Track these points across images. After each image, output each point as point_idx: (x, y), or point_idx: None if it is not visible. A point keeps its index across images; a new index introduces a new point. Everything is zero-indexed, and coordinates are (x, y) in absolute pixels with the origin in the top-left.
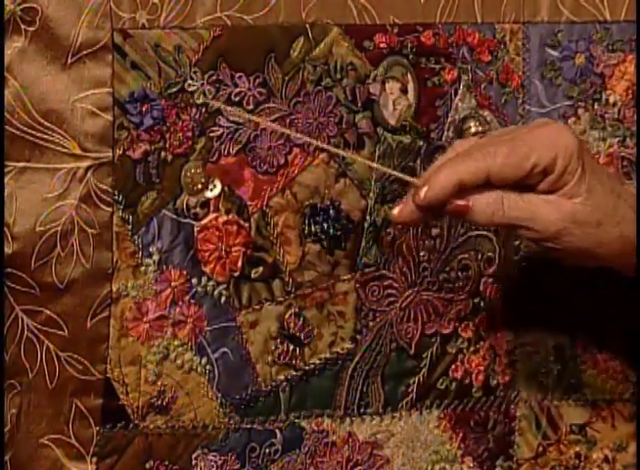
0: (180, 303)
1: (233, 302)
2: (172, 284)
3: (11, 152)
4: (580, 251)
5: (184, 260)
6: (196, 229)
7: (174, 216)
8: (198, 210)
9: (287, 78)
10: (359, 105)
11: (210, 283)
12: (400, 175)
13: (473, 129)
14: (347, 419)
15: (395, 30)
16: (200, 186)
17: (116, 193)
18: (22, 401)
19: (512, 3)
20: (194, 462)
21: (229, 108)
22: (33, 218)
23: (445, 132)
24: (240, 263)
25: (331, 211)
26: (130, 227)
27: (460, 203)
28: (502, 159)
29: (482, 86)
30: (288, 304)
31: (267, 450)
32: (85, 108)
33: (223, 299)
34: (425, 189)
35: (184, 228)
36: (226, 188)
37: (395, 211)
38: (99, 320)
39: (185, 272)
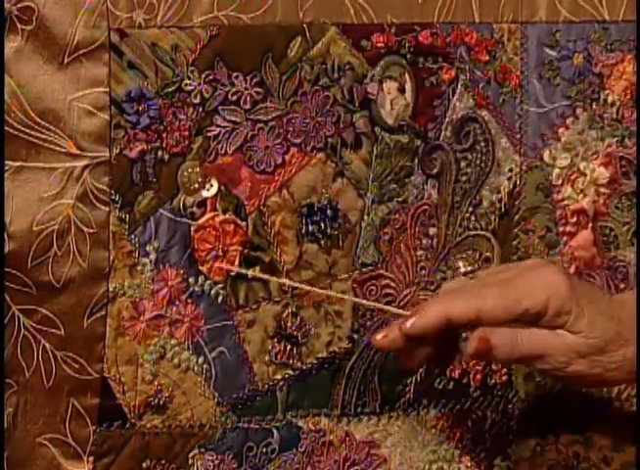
0: (177, 302)
1: (230, 301)
2: (169, 283)
3: (7, 151)
4: (591, 376)
5: (181, 260)
6: (192, 228)
7: (171, 216)
8: (194, 209)
9: (284, 78)
10: (357, 104)
11: (207, 282)
12: (387, 308)
13: (462, 269)
14: (345, 419)
15: (393, 30)
16: (196, 185)
17: (113, 192)
18: (18, 401)
19: (510, 3)
20: (191, 461)
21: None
22: (30, 218)
23: (443, 132)
24: (237, 263)
25: (328, 211)
26: (127, 226)
27: (483, 343)
28: (493, 300)
29: (480, 86)
30: (285, 303)
31: (264, 450)
32: (82, 107)
33: (220, 298)
34: (414, 318)
35: (181, 227)
36: (223, 187)
37: (379, 335)
38: (95, 319)
39: (182, 271)
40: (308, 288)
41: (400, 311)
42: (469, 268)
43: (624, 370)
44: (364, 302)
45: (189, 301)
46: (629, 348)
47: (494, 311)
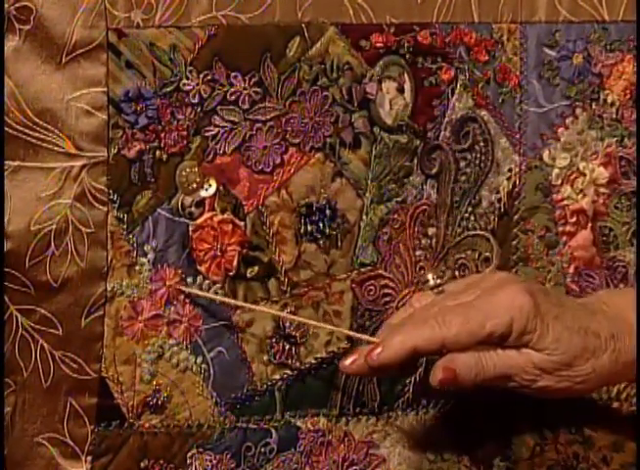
0: (175, 302)
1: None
2: (167, 283)
3: (5, 151)
4: (559, 390)
5: (179, 260)
6: (191, 228)
7: (169, 216)
8: (193, 209)
9: (283, 78)
10: (356, 104)
11: (206, 282)
12: (358, 335)
13: (431, 282)
14: (343, 419)
15: (392, 30)
16: (195, 185)
17: (111, 192)
18: (16, 400)
19: (509, 3)
20: (189, 461)
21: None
22: (28, 217)
23: (442, 132)
24: (235, 263)
25: (327, 211)
26: (125, 226)
27: (446, 372)
28: (457, 328)
29: (480, 86)
30: (283, 303)
31: (263, 450)
32: (80, 107)
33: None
34: (378, 351)
35: (179, 227)
36: (221, 187)
37: (347, 362)
38: (93, 319)
39: (180, 271)
40: (254, 307)
41: (369, 338)
42: (438, 281)
43: (594, 382)
44: (342, 330)
45: (187, 300)
46: (597, 360)
47: (459, 337)
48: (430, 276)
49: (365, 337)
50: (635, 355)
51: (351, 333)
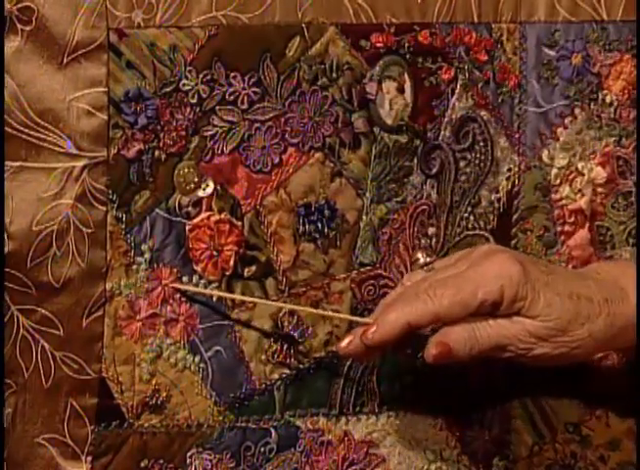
0: (171, 301)
1: (225, 300)
2: (163, 282)
3: (7, 151)
4: (556, 357)
5: (175, 259)
6: (187, 228)
7: (166, 215)
8: (190, 208)
9: (282, 78)
10: (355, 104)
11: (202, 281)
12: (350, 317)
13: (421, 260)
14: (343, 418)
15: (392, 30)
16: (192, 185)
17: (111, 192)
18: (17, 401)
19: (509, 2)
20: (188, 461)
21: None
22: (29, 218)
23: (442, 132)
24: (232, 262)
25: (325, 211)
26: (123, 226)
27: (440, 347)
28: (449, 299)
29: (479, 86)
30: (282, 302)
31: (262, 449)
32: (81, 107)
33: (215, 297)
34: (373, 329)
35: (176, 227)
36: (219, 187)
37: (343, 343)
38: (94, 319)
39: (176, 270)
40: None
41: (364, 320)
42: (427, 259)
43: (591, 347)
44: (333, 314)
45: (183, 299)
46: (593, 324)
47: (451, 309)
48: (419, 255)
49: (360, 319)
50: (633, 320)
51: (346, 316)
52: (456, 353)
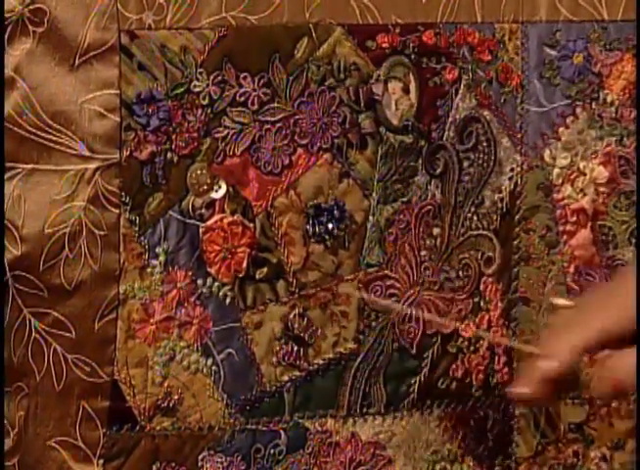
0: (186, 304)
1: (238, 302)
2: (178, 285)
3: (19, 154)
4: None
5: (189, 261)
6: (201, 230)
7: (180, 217)
8: (203, 210)
9: (291, 79)
10: (362, 105)
11: (216, 284)
12: (519, 346)
13: (561, 304)
14: (350, 419)
15: (397, 30)
16: (205, 187)
17: (124, 194)
18: (29, 404)
19: (511, 3)
20: (200, 463)
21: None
22: (42, 220)
23: (446, 132)
24: (244, 264)
25: (335, 212)
26: (137, 229)
27: (612, 382)
28: (615, 312)
29: (483, 86)
30: (292, 304)
31: (272, 451)
32: (93, 109)
33: (228, 300)
34: (550, 362)
35: (190, 229)
36: (231, 189)
37: (525, 389)
38: (106, 322)
39: (190, 273)
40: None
41: (533, 349)
42: (567, 303)
43: None
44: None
45: (197, 302)
46: None
47: (620, 322)
48: (558, 301)
49: (526, 347)
50: None
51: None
52: (627, 383)
